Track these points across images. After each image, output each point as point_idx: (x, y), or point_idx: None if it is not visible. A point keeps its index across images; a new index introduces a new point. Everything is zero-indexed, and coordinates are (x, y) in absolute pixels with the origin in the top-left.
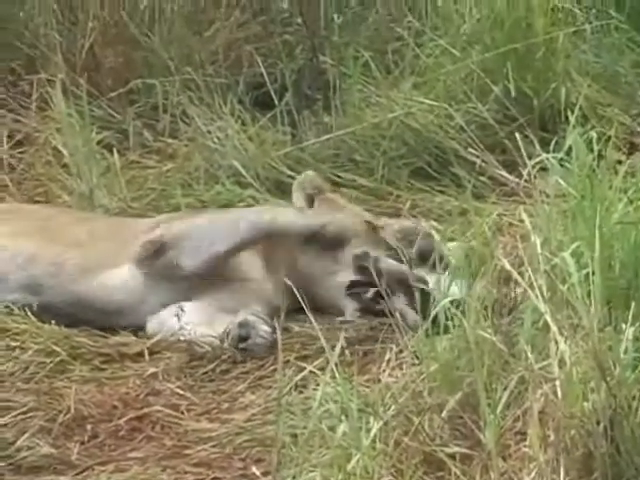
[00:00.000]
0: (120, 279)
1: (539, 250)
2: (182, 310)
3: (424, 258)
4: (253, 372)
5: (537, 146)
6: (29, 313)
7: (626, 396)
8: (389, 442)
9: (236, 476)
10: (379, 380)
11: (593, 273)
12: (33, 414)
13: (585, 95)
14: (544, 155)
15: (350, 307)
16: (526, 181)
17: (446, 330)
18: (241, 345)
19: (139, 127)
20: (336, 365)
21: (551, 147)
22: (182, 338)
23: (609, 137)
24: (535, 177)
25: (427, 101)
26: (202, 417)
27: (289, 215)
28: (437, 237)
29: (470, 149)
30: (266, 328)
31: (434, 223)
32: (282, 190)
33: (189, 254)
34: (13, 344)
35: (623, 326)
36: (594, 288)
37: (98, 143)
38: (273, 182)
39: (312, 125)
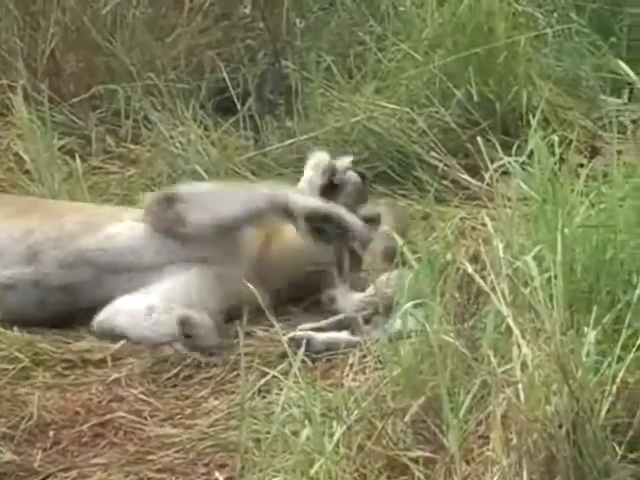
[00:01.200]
0: (124, 230)
1: (501, 254)
2: (153, 310)
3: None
4: (216, 377)
5: (499, 150)
6: None
7: (588, 399)
8: (352, 446)
9: None
10: (342, 385)
11: (555, 277)
12: None
13: (546, 99)
14: (506, 159)
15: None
16: (488, 185)
17: (409, 335)
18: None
19: (101, 133)
20: (299, 370)
21: (513, 151)
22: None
23: (570, 141)
24: (497, 181)
25: (389, 105)
26: (165, 423)
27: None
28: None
29: (432, 153)
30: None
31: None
32: None
33: (198, 210)
34: None
35: (585, 329)
36: (556, 292)
37: (60, 149)
38: None
39: (275, 130)
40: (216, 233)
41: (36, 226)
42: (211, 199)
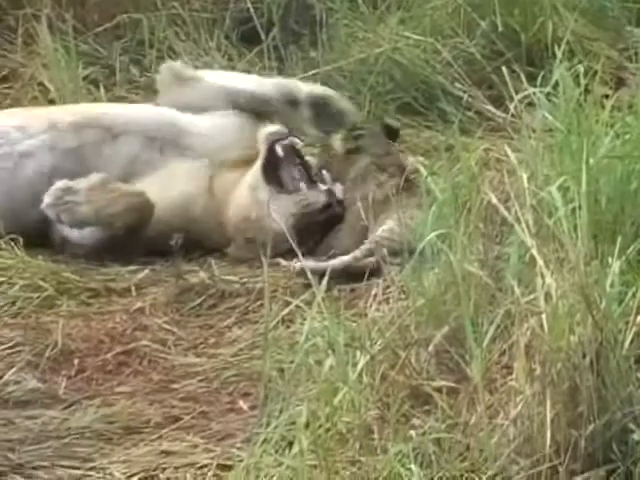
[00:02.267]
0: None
1: (525, 185)
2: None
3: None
4: (240, 307)
5: (524, 81)
6: (16, 248)
7: (612, 329)
8: (376, 376)
9: (223, 410)
10: (366, 315)
11: (579, 207)
12: (20, 349)
13: (572, 30)
14: (531, 90)
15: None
16: (513, 116)
17: (433, 264)
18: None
19: (125, 62)
20: (323, 300)
21: (538, 82)
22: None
23: (596, 72)
24: (522, 112)
25: (414, 36)
26: (189, 352)
27: None
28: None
29: (457, 84)
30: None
31: (421, 158)
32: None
33: (213, 75)
34: (0, 279)
35: (609, 260)
36: (580, 222)
37: (84, 78)
38: None
39: (299, 60)
40: (226, 100)
41: (59, 108)
42: (226, 74)
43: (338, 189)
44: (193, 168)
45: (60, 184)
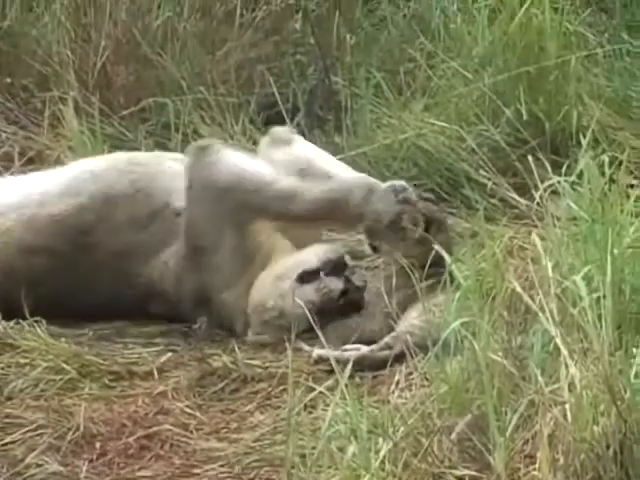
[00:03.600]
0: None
1: (550, 273)
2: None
3: None
4: (262, 392)
5: (549, 169)
6: (39, 330)
7: (636, 420)
8: (398, 463)
9: None
10: (388, 401)
11: (604, 297)
12: (42, 431)
13: (597, 119)
14: (556, 178)
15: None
16: (538, 204)
17: (456, 352)
18: None
19: (151, 146)
20: (346, 386)
21: (563, 170)
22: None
23: (621, 161)
24: (546, 200)
25: (438, 123)
26: (211, 436)
27: None
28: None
29: (481, 171)
30: None
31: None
32: None
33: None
34: (23, 361)
35: (634, 350)
36: (605, 312)
37: None
38: None
39: (323, 145)
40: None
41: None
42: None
43: (357, 275)
44: None
45: None
